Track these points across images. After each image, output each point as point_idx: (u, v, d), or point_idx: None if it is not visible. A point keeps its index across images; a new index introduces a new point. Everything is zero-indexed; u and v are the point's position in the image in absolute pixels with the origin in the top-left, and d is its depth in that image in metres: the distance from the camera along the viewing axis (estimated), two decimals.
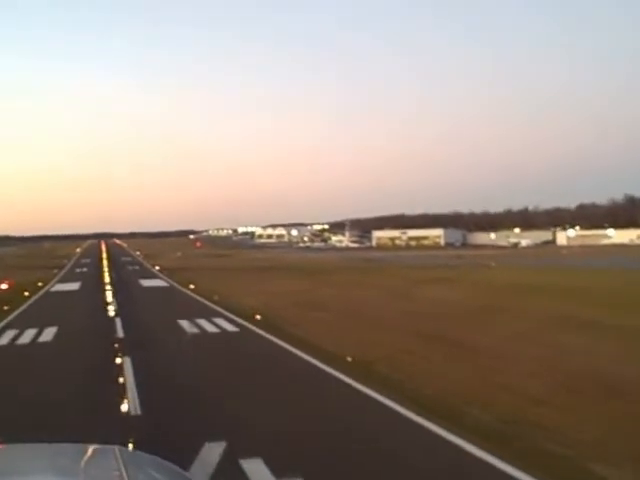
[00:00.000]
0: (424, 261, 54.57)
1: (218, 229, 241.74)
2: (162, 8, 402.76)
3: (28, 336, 16.96)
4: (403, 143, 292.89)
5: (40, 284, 37.04)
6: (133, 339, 16.25)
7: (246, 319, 19.32)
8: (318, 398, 9.84)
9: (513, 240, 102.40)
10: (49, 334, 17.25)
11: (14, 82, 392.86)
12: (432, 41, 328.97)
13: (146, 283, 37.56)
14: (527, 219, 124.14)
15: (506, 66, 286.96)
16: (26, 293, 30.76)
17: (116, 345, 15.02)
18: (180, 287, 34.06)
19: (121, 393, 10.11)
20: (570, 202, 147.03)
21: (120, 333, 17.24)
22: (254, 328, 17.59)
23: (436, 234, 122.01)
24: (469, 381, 10.69)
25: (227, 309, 22.16)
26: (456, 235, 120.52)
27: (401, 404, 9.02)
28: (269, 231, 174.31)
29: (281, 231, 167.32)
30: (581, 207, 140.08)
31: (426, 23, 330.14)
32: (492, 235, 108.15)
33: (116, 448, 2.08)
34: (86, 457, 2.01)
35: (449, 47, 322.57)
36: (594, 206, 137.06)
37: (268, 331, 16.67)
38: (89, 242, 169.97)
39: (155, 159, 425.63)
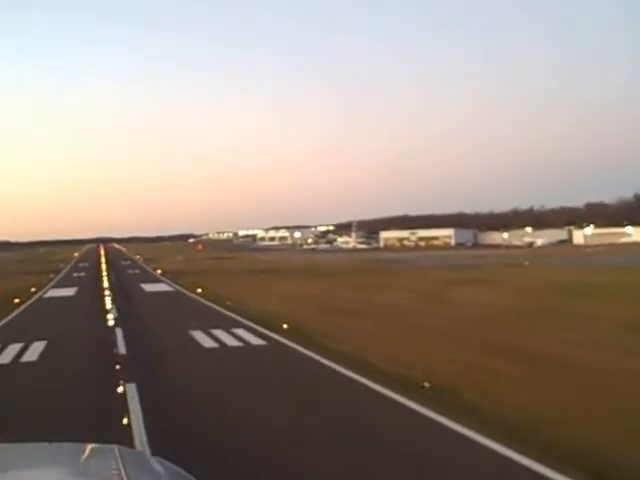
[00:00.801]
0: (442, 261, 51.47)
1: (219, 232, 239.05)
2: (162, 13, 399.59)
3: (9, 355, 13.83)
4: (406, 144, 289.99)
5: (33, 290, 33.90)
6: (138, 357, 13.18)
7: (272, 329, 16.23)
8: (427, 467, 6.61)
9: (527, 239, 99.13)
10: (35, 351, 14.13)
11: (14, 84, 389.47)
12: (434, 41, 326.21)
13: (149, 288, 34.43)
14: (536, 218, 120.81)
15: (508, 64, 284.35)
16: (16, 300, 27.61)
17: (117, 366, 11.92)
18: (187, 292, 30.96)
19: (126, 443, 6.99)
20: (573, 201, 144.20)
21: (122, 348, 14.14)
22: (284, 341, 14.49)
23: (446, 234, 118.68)
24: (615, 416, 7.62)
25: (245, 317, 19.08)
26: (467, 235, 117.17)
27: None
28: (271, 233, 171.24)
29: (284, 233, 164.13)
30: (590, 206, 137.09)
31: (428, 20, 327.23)
32: (504, 234, 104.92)
33: (116, 447, 2.03)
34: (86, 456, 2.00)
35: (451, 45, 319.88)
36: (603, 205, 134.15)
37: (303, 344, 13.59)
38: (87, 247, 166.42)
39: (154, 163, 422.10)
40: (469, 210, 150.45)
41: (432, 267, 45.17)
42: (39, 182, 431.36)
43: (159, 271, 50.21)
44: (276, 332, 15.73)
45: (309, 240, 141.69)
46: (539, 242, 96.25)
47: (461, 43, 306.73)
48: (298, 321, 17.24)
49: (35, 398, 9.73)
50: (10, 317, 22.06)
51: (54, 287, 37.30)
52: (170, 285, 35.96)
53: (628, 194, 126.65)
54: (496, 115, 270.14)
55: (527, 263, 42.43)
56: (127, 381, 10.28)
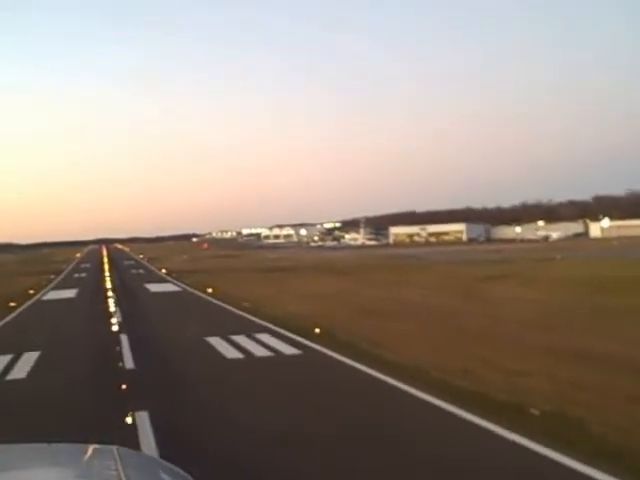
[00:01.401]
0: (460, 256, 49.13)
1: (222, 231, 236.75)
2: (163, 14, 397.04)
3: None
4: (408, 141, 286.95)
5: (32, 292, 31.67)
6: (149, 373, 10.89)
7: (302, 334, 13.92)
8: None
9: (541, 233, 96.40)
10: (26, 365, 11.83)
11: (13, 85, 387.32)
12: (437, 36, 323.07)
13: (154, 288, 32.15)
14: (545, 212, 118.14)
15: (509, 59, 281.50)
16: (12, 303, 25.36)
17: (123, 386, 9.62)
18: (196, 291, 28.68)
19: None
20: (580, 195, 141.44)
21: (128, 361, 11.83)
22: (322, 349, 12.16)
23: (458, 229, 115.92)
24: None
25: (267, 319, 16.77)
26: (479, 230, 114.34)
27: None
28: (275, 231, 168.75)
29: (289, 231, 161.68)
30: (598, 199, 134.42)
31: (430, 19, 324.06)
32: (517, 229, 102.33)
33: (115, 448, 2.02)
34: (85, 457, 2.00)
35: (455, 41, 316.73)
36: (612, 198, 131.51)
37: (347, 354, 11.27)
38: (90, 247, 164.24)
39: (156, 162, 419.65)
40: (476, 205, 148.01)
41: (452, 262, 42.81)
42: (39, 184, 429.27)
43: (164, 270, 47.92)
44: (308, 338, 13.43)
45: (315, 237, 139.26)
46: (555, 235, 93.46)
47: (461, 41, 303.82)
48: (330, 324, 14.93)
49: (17, 434, 7.40)
50: (2, 323, 19.80)
51: (54, 289, 35.03)
52: (177, 285, 33.67)
53: (637, 186, 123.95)
54: (498, 111, 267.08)
55: (558, 257, 40.03)
56: (136, 408, 7.98)
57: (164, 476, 1.89)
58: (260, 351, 12.38)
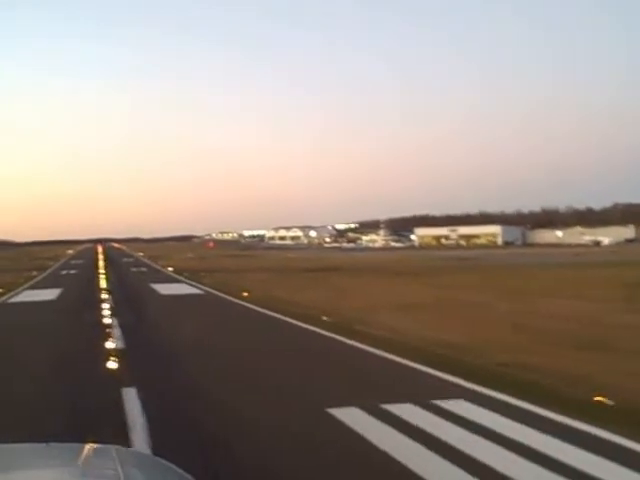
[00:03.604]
0: (534, 259, 41.00)
1: (222, 232, 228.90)
2: (162, 14, 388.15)
3: None
4: (419, 144, 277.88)
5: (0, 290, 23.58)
6: None
7: (544, 401, 5.85)
8: None
9: (588, 238, 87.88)
10: None
11: (13, 85, 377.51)
12: (442, 37, 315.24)
13: (164, 290, 23.88)
14: (582, 218, 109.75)
15: (533, 59, 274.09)
16: None
17: None
18: (225, 295, 20.55)
19: None
20: (596, 203, 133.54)
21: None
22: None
23: (491, 231, 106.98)
24: None
25: (422, 359, 8.63)
26: (515, 233, 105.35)
27: None
28: (281, 233, 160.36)
29: (296, 232, 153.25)
30: (630, 205, 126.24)
31: (434, 21, 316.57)
32: (558, 232, 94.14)
33: (114, 448, 1.99)
34: (84, 456, 1.97)
35: (463, 39, 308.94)
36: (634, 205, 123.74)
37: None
38: (84, 246, 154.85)
39: (154, 164, 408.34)
40: (494, 210, 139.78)
41: (536, 265, 34.79)
42: (36, 183, 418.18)
43: (170, 268, 39.70)
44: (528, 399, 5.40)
45: (327, 239, 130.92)
46: (606, 241, 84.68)
47: (459, 42, 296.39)
48: (523, 362, 6.96)
49: None
50: None
51: (30, 288, 26.80)
52: (193, 286, 25.45)
53: None
54: (513, 113, 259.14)
55: None
56: None
57: (163, 475, 1.86)
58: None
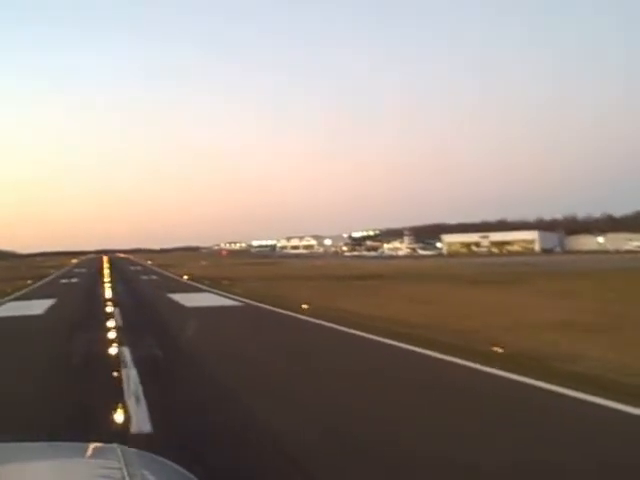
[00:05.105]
0: (604, 265, 35.46)
1: (229, 243, 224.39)
2: (162, 17, 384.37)
3: None
4: (433, 151, 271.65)
5: None
6: None
7: None
8: None
9: (637, 244, 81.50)
10: None
11: (10, 90, 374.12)
12: (450, 43, 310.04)
13: (188, 302, 18.31)
14: (605, 224, 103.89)
15: (565, 65, 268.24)
16: None
17: None
18: (276, 309, 14.97)
19: None
20: (615, 210, 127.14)
21: None
22: None
23: (527, 238, 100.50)
24: None
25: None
26: (553, 239, 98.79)
27: None
28: (294, 242, 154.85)
29: (309, 241, 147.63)
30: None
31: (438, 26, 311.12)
32: (599, 238, 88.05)
33: (117, 446, 1.86)
34: (87, 456, 1.91)
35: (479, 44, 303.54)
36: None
37: None
38: (89, 256, 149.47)
39: (159, 174, 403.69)
40: (512, 217, 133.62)
41: (619, 269, 29.16)
42: (38, 193, 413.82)
43: (185, 277, 34.23)
44: None
45: (344, 247, 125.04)
46: None
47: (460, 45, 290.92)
48: None
49: None
50: None
51: (16, 299, 21.32)
52: (224, 296, 19.91)
53: None
54: (522, 120, 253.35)
55: None
56: None
57: (167, 475, 1.77)
58: None
